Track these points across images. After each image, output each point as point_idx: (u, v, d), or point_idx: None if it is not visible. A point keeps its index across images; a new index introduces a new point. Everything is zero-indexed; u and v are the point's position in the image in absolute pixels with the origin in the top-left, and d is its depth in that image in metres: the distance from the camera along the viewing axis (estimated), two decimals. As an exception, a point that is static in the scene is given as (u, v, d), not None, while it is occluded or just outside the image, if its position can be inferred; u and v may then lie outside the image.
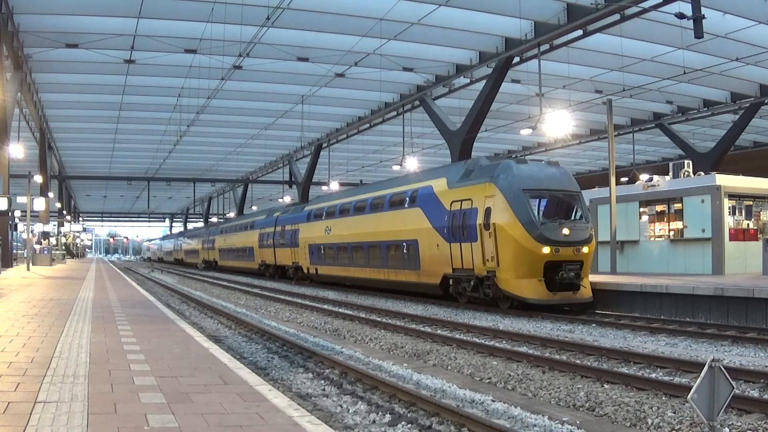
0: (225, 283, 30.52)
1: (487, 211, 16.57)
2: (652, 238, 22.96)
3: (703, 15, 14.44)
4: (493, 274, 16.44)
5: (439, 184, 19.34)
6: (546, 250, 15.91)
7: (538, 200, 16.76)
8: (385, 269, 22.12)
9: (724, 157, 30.56)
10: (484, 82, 25.03)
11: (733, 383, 5.56)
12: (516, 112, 29.97)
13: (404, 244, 20.59)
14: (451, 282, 18.36)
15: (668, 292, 15.34)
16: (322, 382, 8.47)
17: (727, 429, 6.15)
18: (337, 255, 26.01)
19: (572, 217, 17.01)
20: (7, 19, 21.24)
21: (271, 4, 18.35)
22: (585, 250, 16.46)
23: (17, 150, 25.36)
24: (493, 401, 7.42)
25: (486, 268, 16.66)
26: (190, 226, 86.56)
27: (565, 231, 16.29)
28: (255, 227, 38.76)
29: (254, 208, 61.74)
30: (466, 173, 18.34)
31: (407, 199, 20.85)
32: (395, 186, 22.77)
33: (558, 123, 21.65)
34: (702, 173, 22.81)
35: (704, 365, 5.48)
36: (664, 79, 24.50)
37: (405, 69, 26.14)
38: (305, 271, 29.59)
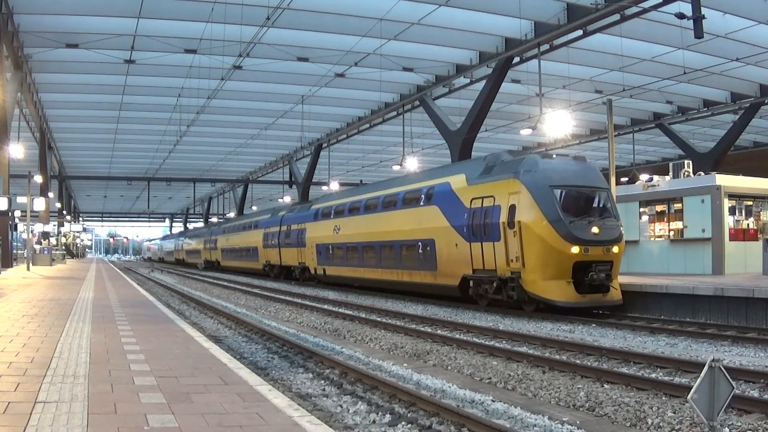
0: (225, 283, 30.52)
1: (512, 209, 15.79)
2: (652, 238, 22.95)
3: (703, 15, 14.43)
4: (518, 276, 15.66)
5: (457, 181, 18.48)
6: (575, 249, 15.11)
7: (565, 197, 15.85)
8: (399, 270, 21.31)
9: (724, 157, 30.56)
10: (484, 82, 25.03)
11: (733, 383, 5.56)
12: (516, 112, 29.99)
13: (419, 243, 19.78)
14: (471, 283, 17.50)
15: (668, 292, 15.33)
16: (322, 382, 8.47)
17: (727, 429, 6.15)
18: (347, 255, 25.13)
19: (601, 215, 16.17)
20: (7, 19, 21.25)
21: (271, 4, 18.37)
22: (615, 249, 15.69)
23: (17, 150, 25.36)
24: (493, 401, 7.42)
25: (510, 268, 15.87)
26: (190, 226, 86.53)
27: (595, 229, 15.50)
28: (259, 227, 38.01)
29: (254, 208, 61.71)
30: (487, 169, 17.47)
31: (423, 196, 20.04)
32: (409, 183, 21.92)
33: (558, 123, 21.63)
34: (702, 173, 22.80)
35: (704, 365, 5.48)
36: (664, 79, 24.54)
37: (405, 69, 26.14)
38: (312, 271, 28.73)
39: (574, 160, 17.30)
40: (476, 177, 17.72)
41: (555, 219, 15.23)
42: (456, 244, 17.86)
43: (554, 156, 17.59)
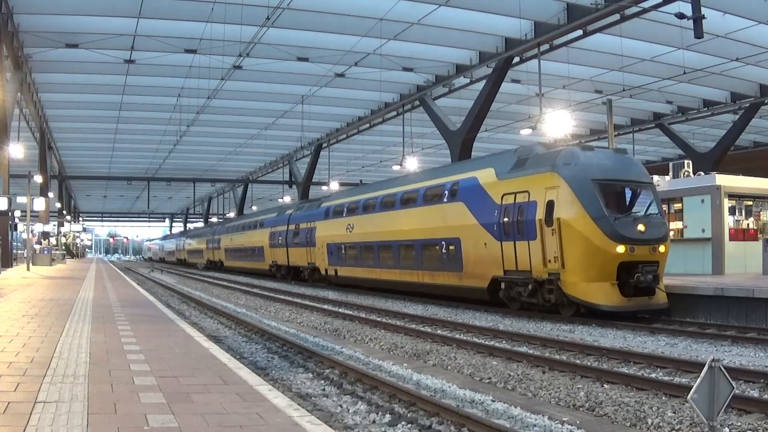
0: (225, 283, 30.50)
1: (549, 205, 14.65)
2: (652, 238, 22.92)
3: (703, 15, 14.42)
4: (557, 277, 14.53)
5: (485, 175, 17.21)
6: (620, 249, 14.04)
7: (609, 192, 14.77)
8: (419, 271, 20.11)
9: (724, 157, 30.56)
10: (484, 82, 25.04)
11: (733, 383, 5.56)
12: (516, 112, 30.01)
13: (443, 242, 18.63)
14: (502, 285, 16.31)
15: (668, 292, 15.29)
16: (322, 382, 8.47)
17: (727, 429, 6.15)
18: (361, 255, 23.90)
19: (647, 212, 15.18)
20: (7, 19, 21.27)
21: (271, 4, 18.38)
22: (662, 248, 14.71)
23: (17, 150, 25.38)
24: (493, 401, 7.42)
25: (547, 270, 14.74)
26: (190, 226, 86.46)
27: (641, 227, 14.43)
28: (265, 225, 36.76)
29: (254, 208, 61.62)
30: (519, 162, 16.29)
31: (446, 192, 18.77)
32: (430, 179, 20.79)
33: (558, 123, 21.64)
34: (702, 173, 22.79)
35: (704, 365, 5.48)
36: (664, 79, 24.54)
37: (405, 69, 26.16)
38: (323, 272, 27.44)
39: (615, 152, 16.27)
40: (507, 171, 16.51)
41: (599, 216, 14.19)
42: (485, 243, 16.69)
43: (594, 148, 16.63)
